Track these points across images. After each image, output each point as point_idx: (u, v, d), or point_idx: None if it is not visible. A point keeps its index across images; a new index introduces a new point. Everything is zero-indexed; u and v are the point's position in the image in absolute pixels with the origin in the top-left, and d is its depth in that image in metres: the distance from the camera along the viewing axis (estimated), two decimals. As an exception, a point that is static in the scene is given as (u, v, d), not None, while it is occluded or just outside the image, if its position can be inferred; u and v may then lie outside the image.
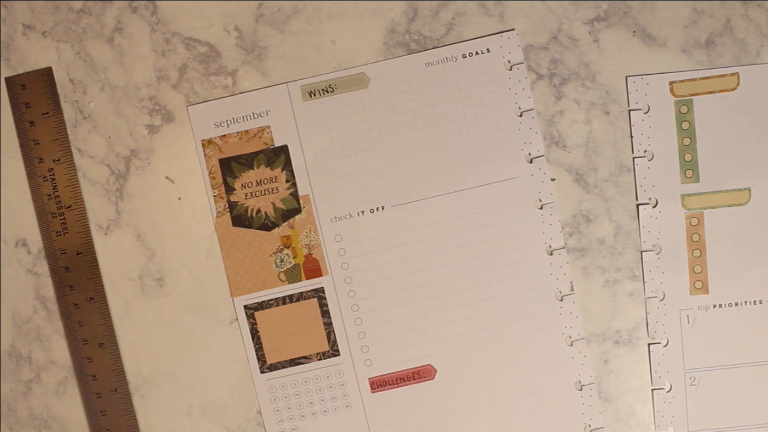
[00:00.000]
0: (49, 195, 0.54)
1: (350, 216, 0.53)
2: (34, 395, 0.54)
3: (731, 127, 0.52)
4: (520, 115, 0.53)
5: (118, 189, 0.54)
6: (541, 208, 0.53)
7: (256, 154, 0.53)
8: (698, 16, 0.52)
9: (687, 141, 0.52)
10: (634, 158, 0.53)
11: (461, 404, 0.53)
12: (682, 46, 0.52)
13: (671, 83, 0.52)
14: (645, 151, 0.53)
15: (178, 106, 0.53)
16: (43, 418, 0.54)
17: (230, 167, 0.53)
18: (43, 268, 0.54)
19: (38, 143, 0.54)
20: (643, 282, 0.53)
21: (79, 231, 0.53)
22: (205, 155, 0.53)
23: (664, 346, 0.53)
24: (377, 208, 0.53)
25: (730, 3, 0.52)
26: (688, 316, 0.53)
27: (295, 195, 0.53)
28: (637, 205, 0.53)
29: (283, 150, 0.53)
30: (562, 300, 0.53)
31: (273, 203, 0.53)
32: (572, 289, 0.53)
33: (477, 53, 0.53)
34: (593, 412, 0.53)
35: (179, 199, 0.54)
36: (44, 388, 0.54)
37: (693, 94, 0.52)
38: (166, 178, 0.54)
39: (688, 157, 0.52)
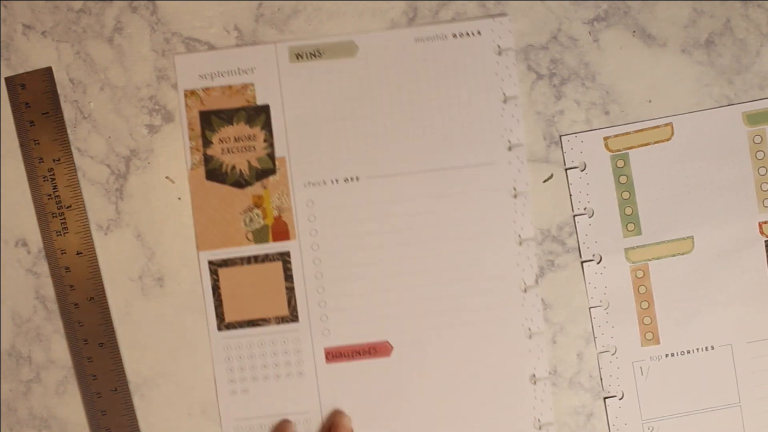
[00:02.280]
0: (49, 195, 0.54)
1: (324, 183, 0.53)
2: (34, 395, 0.54)
3: (669, 177, 0.52)
4: (504, 102, 0.53)
5: (118, 189, 0.54)
6: (515, 197, 0.52)
7: (237, 110, 0.53)
8: (698, 16, 0.52)
9: (626, 195, 0.53)
10: (574, 216, 0.53)
11: (414, 385, 0.53)
12: (682, 46, 0.52)
13: (605, 138, 0.53)
14: (585, 209, 0.53)
15: (178, 106, 0.53)
16: (43, 418, 0.54)
17: (210, 121, 0.53)
18: (43, 268, 0.53)
19: (38, 143, 0.54)
20: (594, 338, 0.53)
21: (79, 231, 0.53)
22: (186, 106, 0.53)
23: (620, 399, 0.53)
24: (352, 178, 0.53)
25: (730, 3, 0.52)
26: (641, 367, 0.53)
27: (271, 156, 0.53)
28: (582, 263, 0.53)
29: (265, 109, 0.53)
30: (525, 291, 0.53)
31: (248, 161, 0.53)
32: (537, 282, 0.53)
33: (468, 34, 0.52)
34: (544, 407, 0.53)
35: (179, 199, 0.54)
36: (44, 388, 0.54)
37: (628, 148, 0.52)
38: (166, 178, 0.54)
39: (628, 211, 0.53)
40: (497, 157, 0.52)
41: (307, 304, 0.53)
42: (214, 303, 0.53)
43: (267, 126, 0.53)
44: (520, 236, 0.53)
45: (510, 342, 0.53)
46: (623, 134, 0.52)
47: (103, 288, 0.54)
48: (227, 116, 0.53)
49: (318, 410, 0.53)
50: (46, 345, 0.54)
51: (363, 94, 0.53)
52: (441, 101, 0.53)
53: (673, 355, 0.53)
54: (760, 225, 0.53)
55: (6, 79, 0.54)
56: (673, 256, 0.53)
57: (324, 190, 0.53)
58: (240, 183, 0.53)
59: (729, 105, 0.52)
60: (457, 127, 0.52)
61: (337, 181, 0.53)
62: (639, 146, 0.52)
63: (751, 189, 0.52)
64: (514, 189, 0.52)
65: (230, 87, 0.53)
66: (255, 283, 0.53)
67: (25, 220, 0.53)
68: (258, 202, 0.53)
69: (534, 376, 0.53)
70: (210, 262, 0.53)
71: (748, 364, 0.53)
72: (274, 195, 0.53)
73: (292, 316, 0.53)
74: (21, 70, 0.54)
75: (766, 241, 0.53)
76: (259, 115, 0.53)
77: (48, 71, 0.54)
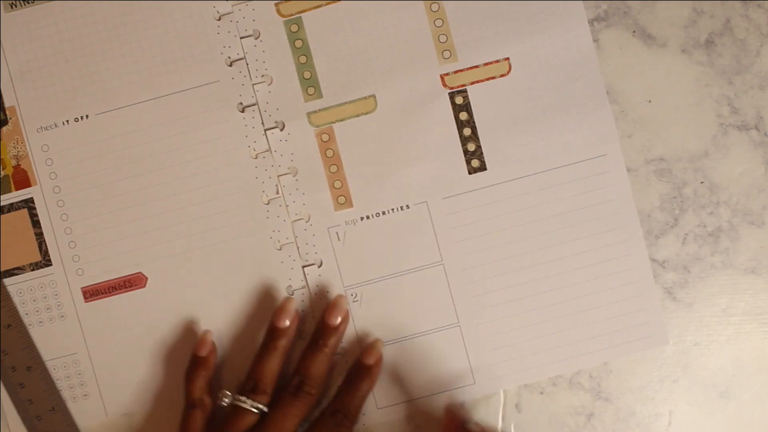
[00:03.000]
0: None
1: (56, 126, 0.53)
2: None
3: (344, 36, 0.52)
4: (219, 19, 0.53)
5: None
6: (243, 111, 0.53)
7: None
8: (698, 16, 0.53)
9: (303, 59, 0.53)
10: (254, 85, 0.53)
11: (173, 312, 0.53)
12: (682, 46, 0.53)
13: (277, 5, 0.53)
14: (263, 76, 0.53)
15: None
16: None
17: None
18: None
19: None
20: (286, 206, 0.53)
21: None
22: None
23: (319, 267, 0.53)
24: (81, 117, 0.53)
25: (730, 3, 0.53)
26: (337, 233, 0.52)
27: (0, 106, 0.53)
28: (265, 131, 0.53)
29: None
30: (268, 204, 0.53)
31: None
32: (278, 192, 0.53)
33: None
34: (303, 316, 0.53)
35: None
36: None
37: (300, 12, 0.53)
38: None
39: (307, 75, 0.53)
40: (219, 75, 0.53)
41: (58, 247, 0.54)
42: None
43: None
44: (254, 150, 0.53)
45: (260, 257, 0.53)
46: None
47: (18, 313, 0.53)
48: None
49: (85, 350, 0.53)
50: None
51: (80, 32, 0.53)
52: (157, 28, 0.53)
53: (368, 217, 0.52)
54: (442, 77, 0.52)
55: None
56: (357, 116, 0.52)
57: (57, 133, 0.53)
58: None
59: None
60: (176, 50, 0.53)
61: (67, 122, 0.53)
62: (311, 10, 0.52)
63: (429, 41, 0.52)
64: (241, 104, 0.53)
65: None
66: (5, 234, 0.53)
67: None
68: None
69: (290, 287, 0.53)
70: None
71: (446, 221, 0.52)
72: (10, 144, 0.53)
73: (45, 261, 0.54)
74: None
75: (449, 93, 0.52)
76: None
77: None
